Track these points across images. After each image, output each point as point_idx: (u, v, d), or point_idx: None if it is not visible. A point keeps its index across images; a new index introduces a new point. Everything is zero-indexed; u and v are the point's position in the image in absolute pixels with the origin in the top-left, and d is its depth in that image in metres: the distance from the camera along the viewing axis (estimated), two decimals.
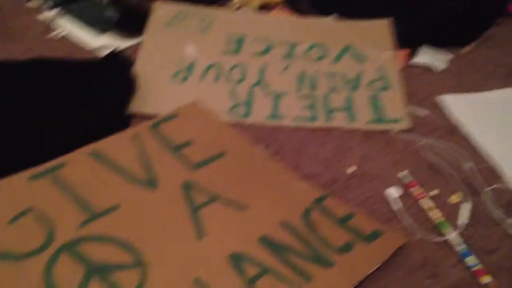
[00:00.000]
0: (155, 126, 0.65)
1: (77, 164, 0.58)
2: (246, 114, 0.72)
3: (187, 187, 0.57)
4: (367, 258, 0.51)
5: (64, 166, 0.57)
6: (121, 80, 0.73)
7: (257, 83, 0.78)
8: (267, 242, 0.52)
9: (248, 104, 0.74)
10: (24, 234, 0.49)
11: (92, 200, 0.54)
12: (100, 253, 0.48)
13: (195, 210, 0.55)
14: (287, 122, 0.72)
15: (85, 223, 0.51)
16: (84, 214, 0.52)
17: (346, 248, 0.52)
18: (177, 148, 0.63)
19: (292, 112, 0.73)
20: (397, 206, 0.59)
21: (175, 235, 0.52)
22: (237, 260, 0.50)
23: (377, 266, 0.51)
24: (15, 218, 0.51)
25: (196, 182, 0.58)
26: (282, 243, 0.52)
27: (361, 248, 0.52)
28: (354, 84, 0.79)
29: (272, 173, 0.62)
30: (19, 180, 0.55)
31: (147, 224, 0.52)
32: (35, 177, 0.55)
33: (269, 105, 0.74)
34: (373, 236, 0.54)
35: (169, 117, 0.67)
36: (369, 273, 0.50)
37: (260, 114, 0.72)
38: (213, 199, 0.56)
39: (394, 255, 0.52)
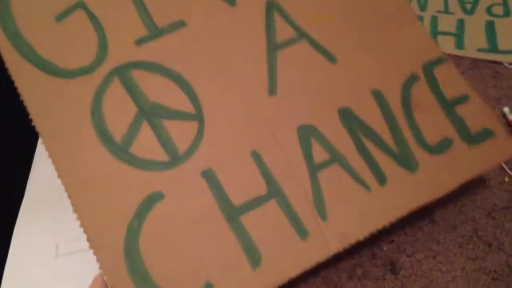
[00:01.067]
0: None
1: None
2: None
3: (270, 9, 0.45)
4: (463, 165, 0.42)
5: None
6: None
7: None
8: (347, 116, 0.43)
9: None
10: (72, 40, 0.41)
11: (154, 7, 0.43)
12: (155, 90, 0.41)
13: (273, 49, 0.44)
14: None
15: (142, 41, 0.42)
16: (142, 27, 0.42)
17: (442, 146, 0.43)
18: None
19: None
20: None
21: (244, 83, 0.43)
22: (305, 133, 0.42)
23: (472, 178, 0.42)
24: (65, 13, 0.42)
25: (283, 7, 0.45)
26: (366, 122, 0.43)
27: (461, 150, 0.43)
28: (471, 6, 0.67)
29: (385, 13, 0.47)
30: None
31: (214, 57, 0.43)
32: None
33: None
34: (482, 136, 0.43)
35: None
36: (457, 186, 0.42)
37: None
38: (296, 38, 0.45)
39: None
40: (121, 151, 0.39)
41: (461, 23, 0.66)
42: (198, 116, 0.41)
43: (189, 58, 0.42)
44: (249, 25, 0.44)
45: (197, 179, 0.39)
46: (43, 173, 0.48)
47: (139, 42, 0.42)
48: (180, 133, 0.40)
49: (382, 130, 0.43)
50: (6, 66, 0.40)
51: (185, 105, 0.41)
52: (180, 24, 0.43)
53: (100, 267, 0.36)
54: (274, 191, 0.40)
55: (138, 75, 0.41)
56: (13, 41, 0.40)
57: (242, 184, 0.39)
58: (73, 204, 0.37)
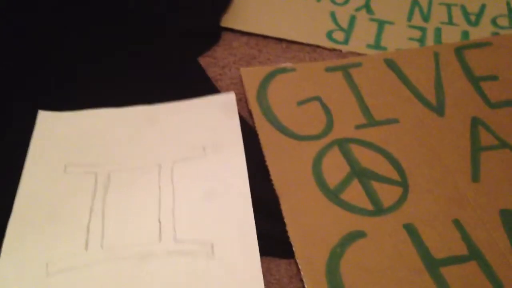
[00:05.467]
0: (460, 49, 0.59)
1: (370, 67, 0.58)
2: (345, 41, 0.63)
3: (476, 124, 0.52)
4: None
5: (358, 65, 0.58)
6: None
7: (362, 8, 0.68)
8: None
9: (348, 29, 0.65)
10: (307, 118, 0.53)
11: (373, 107, 0.54)
12: (367, 160, 0.48)
13: (477, 150, 0.49)
14: None
15: (361, 126, 0.52)
16: (362, 118, 0.53)
17: None
18: (478, 79, 0.56)
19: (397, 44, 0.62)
20: None
21: (449, 170, 0.48)
22: (508, 216, 0.44)
23: None
24: (304, 101, 0.55)
25: (487, 122, 0.52)
26: None
27: None
28: (475, 18, 0.66)
29: None
30: (317, 68, 0.58)
31: (421, 147, 0.50)
32: (330, 69, 0.58)
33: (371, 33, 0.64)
34: None
35: (480, 44, 0.60)
36: None
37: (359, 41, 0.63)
38: (499, 146, 0.50)
39: None
40: (333, 195, 0.46)
41: (465, 35, 0.63)
42: (403, 184, 0.46)
43: (400, 145, 0.50)
44: (455, 132, 0.51)
45: (399, 229, 0.43)
46: (30, 190, 0.45)
47: (358, 127, 0.52)
48: (386, 192, 0.46)
49: None
50: (256, 128, 0.52)
51: (393, 175, 0.47)
52: (393, 121, 0.52)
53: (305, 281, 0.39)
54: (475, 255, 0.41)
55: (354, 147, 0.50)
56: (264, 113, 0.53)
57: (443, 242, 0.41)
58: (288, 229, 0.43)
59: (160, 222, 0.43)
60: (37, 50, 0.60)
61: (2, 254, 0.41)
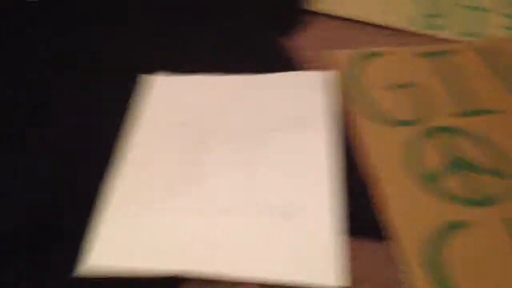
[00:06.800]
0: None
1: (462, 55, 0.56)
2: (436, 27, 0.60)
3: None
4: None
5: (450, 53, 0.57)
6: None
7: None
8: None
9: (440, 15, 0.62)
10: (399, 104, 0.52)
11: (467, 95, 0.52)
12: (467, 149, 0.47)
13: None
14: None
15: (457, 115, 0.50)
16: (456, 106, 0.51)
17: None
18: None
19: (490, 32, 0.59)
20: None
21: None
22: None
23: None
24: (396, 86, 0.54)
25: None
26: None
27: None
28: None
29: None
30: (408, 53, 0.57)
31: None
32: (422, 55, 0.56)
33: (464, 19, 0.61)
34: None
35: None
36: None
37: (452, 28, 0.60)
38: None
39: None
40: (430, 183, 0.44)
41: None
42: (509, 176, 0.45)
43: (505, 135, 0.48)
44: None
45: (497, 223, 0.41)
46: (138, 142, 0.50)
47: (454, 115, 0.50)
48: (489, 184, 0.44)
49: None
50: (347, 114, 0.51)
51: (495, 166, 0.45)
52: (491, 111, 0.50)
53: (401, 266, 0.39)
54: None
55: (451, 136, 0.48)
56: (353, 96, 0.53)
57: None
58: (381, 213, 0.42)
59: (245, 183, 0.46)
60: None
61: (110, 190, 0.45)
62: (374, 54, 0.57)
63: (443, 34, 0.61)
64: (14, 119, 0.54)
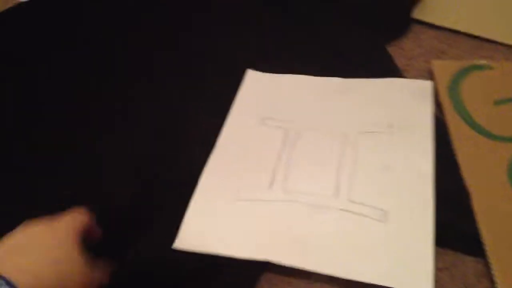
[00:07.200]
0: None
1: None
2: None
3: None
4: None
5: None
6: None
7: None
8: None
9: None
10: (504, 119, 0.49)
11: None
12: None
13: None
14: None
15: None
16: None
17: None
18: None
19: None
20: None
21: None
22: None
23: None
24: (502, 101, 0.51)
25: None
26: None
27: None
28: None
29: None
30: None
31: None
32: None
33: None
34: None
35: None
36: None
37: None
38: None
39: None
40: None
41: None
42: None
43: None
44: None
45: None
46: (231, 133, 0.52)
47: None
48: None
49: None
50: (446, 122, 0.50)
51: None
52: None
53: (498, 283, 0.38)
54: None
55: None
56: (456, 108, 0.51)
57: None
58: (479, 227, 0.41)
59: (338, 181, 0.46)
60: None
61: (203, 176, 0.48)
62: (482, 67, 0.55)
63: None
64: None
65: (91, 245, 0.37)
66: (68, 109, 0.58)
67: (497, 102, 0.52)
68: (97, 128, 0.55)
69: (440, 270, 0.40)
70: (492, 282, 0.39)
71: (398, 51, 0.61)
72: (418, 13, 0.65)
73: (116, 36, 0.67)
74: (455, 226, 0.43)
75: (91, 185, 0.48)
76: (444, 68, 0.56)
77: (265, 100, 0.55)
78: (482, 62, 0.56)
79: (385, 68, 0.58)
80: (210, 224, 0.44)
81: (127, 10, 0.71)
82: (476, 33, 0.61)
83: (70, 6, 0.73)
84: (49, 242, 0.34)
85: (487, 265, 0.40)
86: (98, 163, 0.50)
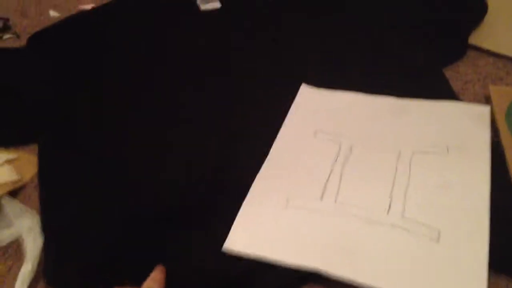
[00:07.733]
0: None
1: None
2: None
3: None
4: None
5: None
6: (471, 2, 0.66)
7: None
8: None
9: None
10: None
11: None
12: None
13: None
14: None
15: None
16: None
17: None
18: None
19: None
20: None
21: None
22: None
23: None
24: None
25: None
26: None
27: None
28: None
29: None
30: None
31: None
32: None
33: None
34: None
35: None
36: None
37: None
38: None
39: None
40: None
41: None
42: None
43: None
44: None
45: None
46: (284, 144, 0.52)
47: None
48: None
49: None
50: (503, 146, 0.50)
51: None
52: None
53: None
54: None
55: None
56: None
57: None
58: None
59: (391, 197, 0.46)
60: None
61: (256, 182, 0.49)
62: None
63: None
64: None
65: None
66: (132, 108, 0.60)
67: None
68: (161, 129, 0.57)
69: None
70: None
71: (454, 75, 0.61)
72: (475, 39, 0.64)
73: (176, 47, 0.70)
74: (511, 250, 0.41)
75: (149, 185, 0.51)
76: (502, 93, 0.55)
77: (318, 114, 0.56)
78: None
79: (441, 90, 0.58)
80: (260, 228, 0.45)
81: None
82: None
83: (132, 16, 0.76)
84: None
85: None
86: (161, 164, 0.53)
